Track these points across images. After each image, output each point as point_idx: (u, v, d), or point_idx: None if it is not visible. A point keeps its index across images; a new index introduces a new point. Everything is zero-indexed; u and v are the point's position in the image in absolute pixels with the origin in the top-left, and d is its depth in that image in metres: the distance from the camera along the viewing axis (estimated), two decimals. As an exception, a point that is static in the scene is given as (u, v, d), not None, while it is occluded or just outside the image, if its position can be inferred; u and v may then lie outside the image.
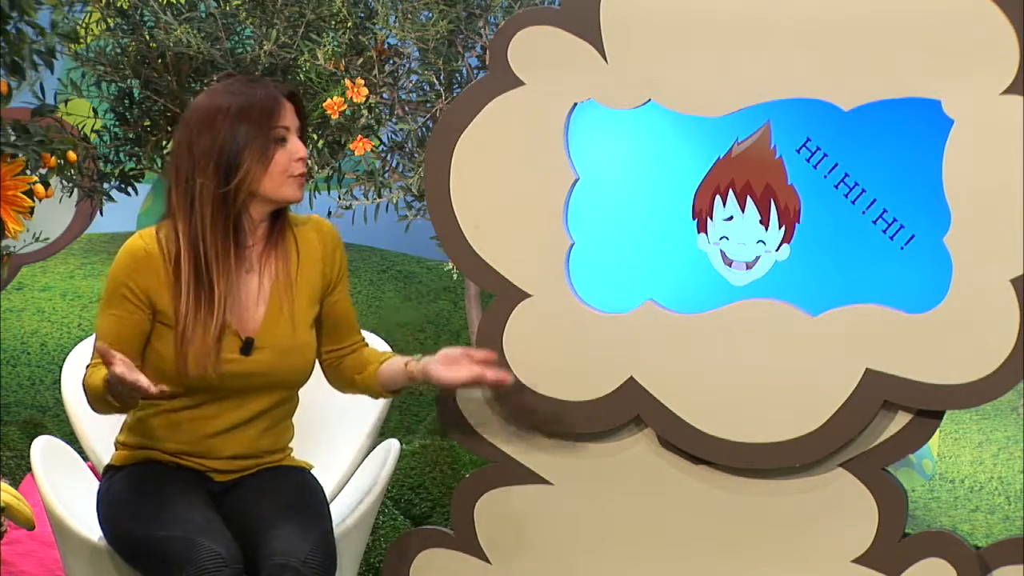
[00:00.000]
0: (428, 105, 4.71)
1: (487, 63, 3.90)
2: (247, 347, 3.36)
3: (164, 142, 5.07)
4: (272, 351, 3.37)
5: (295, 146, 3.35)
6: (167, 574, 3.21)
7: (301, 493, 3.41)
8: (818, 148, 3.49)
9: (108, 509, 3.41)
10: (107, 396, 3.24)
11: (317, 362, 3.50)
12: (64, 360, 3.83)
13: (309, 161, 4.74)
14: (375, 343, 3.77)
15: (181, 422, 3.37)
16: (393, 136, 4.81)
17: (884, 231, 3.45)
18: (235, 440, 3.41)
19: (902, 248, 3.45)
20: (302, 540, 3.25)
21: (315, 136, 4.84)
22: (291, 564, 3.20)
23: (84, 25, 5.00)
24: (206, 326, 3.30)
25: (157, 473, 3.40)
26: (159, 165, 5.08)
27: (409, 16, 4.56)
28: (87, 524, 3.46)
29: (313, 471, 3.53)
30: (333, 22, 4.77)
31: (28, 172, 3.68)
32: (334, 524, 3.42)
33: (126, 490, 3.40)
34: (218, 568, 3.17)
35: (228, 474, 3.44)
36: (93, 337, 3.45)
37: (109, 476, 3.47)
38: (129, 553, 3.37)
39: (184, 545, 3.20)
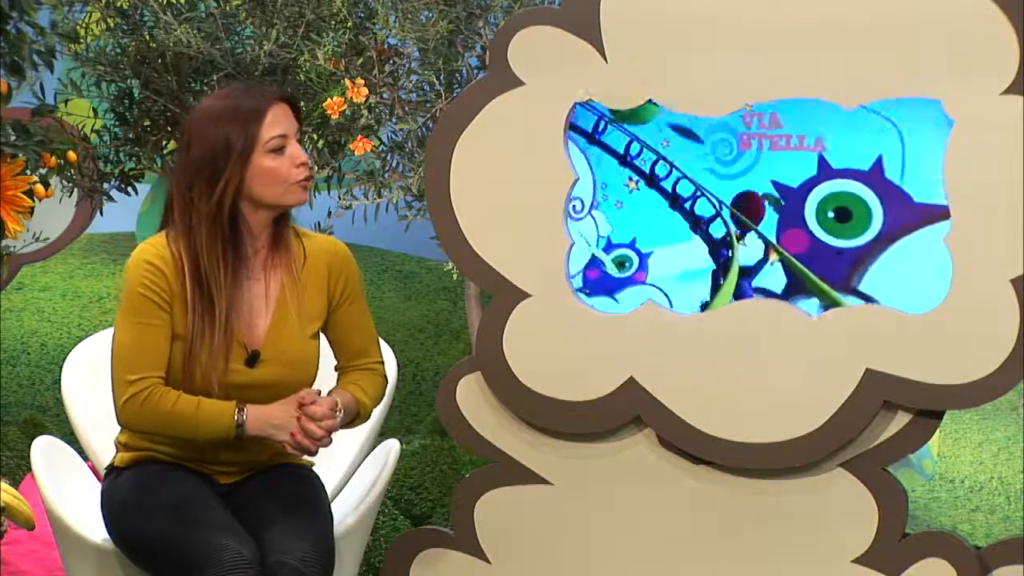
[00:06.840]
0: (428, 105, 4.71)
1: (487, 63, 3.90)
2: (252, 359, 3.35)
3: (164, 142, 5.07)
4: (277, 364, 3.36)
5: (294, 151, 3.33)
6: (186, 574, 3.19)
7: (301, 491, 3.41)
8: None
9: (116, 510, 3.38)
10: (232, 433, 3.28)
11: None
12: (64, 360, 3.83)
13: (309, 161, 4.74)
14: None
15: None
16: (393, 136, 4.81)
17: None
18: (235, 449, 3.38)
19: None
20: (301, 538, 3.24)
21: (315, 136, 4.84)
22: (289, 562, 3.19)
23: (84, 25, 5.01)
24: (210, 342, 3.28)
25: (164, 472, 3.38)
26: (159, 165, 5.08)
27: (409, 16, 4.56)
28: (87, 524, 3.46)
29: (313, 470, 3.52)
30: (333, 22, 4.77)
31: (28, 172, 3.68)
32: (335, 524, 3.41)
33: (134, 490, 3.37)
34: (243, 570, 3.15)
35: (231, 476, 3.43)
36: (131, 347, 3.31)
37: (113, 477, 3.45)
38: (141, 554, 3.33)
39: (207, 546, 3.17)
